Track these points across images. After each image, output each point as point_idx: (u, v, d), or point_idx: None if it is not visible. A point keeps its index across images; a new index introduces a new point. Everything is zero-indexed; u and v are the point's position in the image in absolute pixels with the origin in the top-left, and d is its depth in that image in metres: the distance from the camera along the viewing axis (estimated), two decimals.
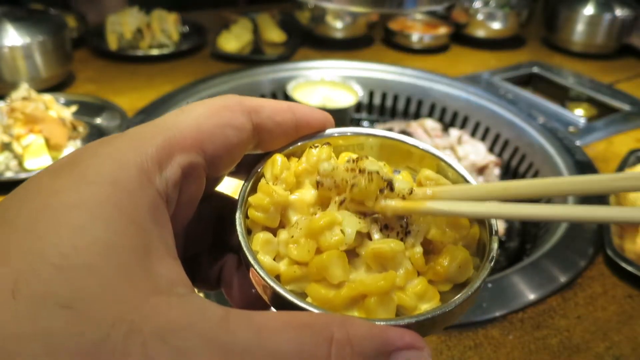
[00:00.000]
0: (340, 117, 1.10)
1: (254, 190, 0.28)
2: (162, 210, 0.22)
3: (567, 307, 0.64)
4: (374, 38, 1.58)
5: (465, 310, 0.25)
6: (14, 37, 1.05)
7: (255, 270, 0.24)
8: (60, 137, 0.90)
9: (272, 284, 0.24)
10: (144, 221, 0.20)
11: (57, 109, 0.94)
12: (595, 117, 1.21)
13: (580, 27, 1.47)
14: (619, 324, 0.62)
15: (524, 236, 0.96)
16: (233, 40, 1.40)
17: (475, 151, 1.08)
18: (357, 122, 1.30)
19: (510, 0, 1.54)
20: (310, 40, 1.50)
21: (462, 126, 1.23)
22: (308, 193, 0.28)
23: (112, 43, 1.32)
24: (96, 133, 1.01)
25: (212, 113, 0.25)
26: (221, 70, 1.26)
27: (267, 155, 0.29)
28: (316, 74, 1.25)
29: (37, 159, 0.87)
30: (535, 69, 1.41)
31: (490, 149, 1.16)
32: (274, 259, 0.27)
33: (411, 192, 0.26)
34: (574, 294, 0.67)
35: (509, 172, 1.12)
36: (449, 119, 1.25)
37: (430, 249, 0.27)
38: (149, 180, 0.22)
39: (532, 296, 0.65)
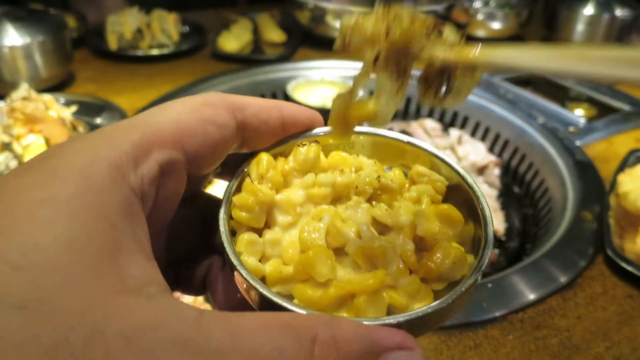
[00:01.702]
0: None
1: (239, 190, 0.27)
2: (136, 208, 0.21)
3: (567, 307, 0.64)
4: None
5: (459, 309, 0.24)
6: (14, 37, 1.05)
7: (239, 272, 0.23)
8: (60, 137, 0.90)
9: (256, 285, 0.23)
10: (114, 218, 0.20)
11: (57, 109, 0.94)
12: (595, 117, 1.20)
13: (580, 27, 1.47)
14: (619, 324, 0.62)
15: (524, 236, 0.96)
16: (233, 40, 1.40)
17: (476, 151, 1.09)
18: None
19: (510, 0, 1.54)
20: (310, 40, 1.50)
21: (462, 126, 1.23)
22: (295, 193, 0.27)
23: (112, 43, 1.32)
24: None
25: (193, 109, 0.24)
26: (221, 70, 1.26)
27: (254, 154, 0.28)
28: (316, 74, 1.25)
29: None
30: None
31: (490, 149, 1.16)
32: (259, 261, 0.26)
33: (462, 39, 0.23)
34: (574, 294, 0.66)
35: (509, 172, 1.12)
36: (449, 119, 1.25)
37: (422, 246, 0.26)
38: (122, 176, 0.21)
39: (532, 296, 0.65)
